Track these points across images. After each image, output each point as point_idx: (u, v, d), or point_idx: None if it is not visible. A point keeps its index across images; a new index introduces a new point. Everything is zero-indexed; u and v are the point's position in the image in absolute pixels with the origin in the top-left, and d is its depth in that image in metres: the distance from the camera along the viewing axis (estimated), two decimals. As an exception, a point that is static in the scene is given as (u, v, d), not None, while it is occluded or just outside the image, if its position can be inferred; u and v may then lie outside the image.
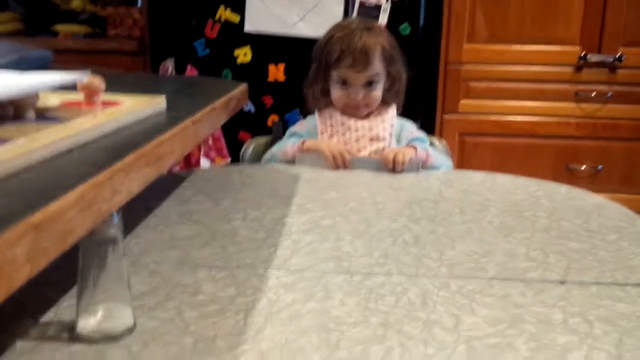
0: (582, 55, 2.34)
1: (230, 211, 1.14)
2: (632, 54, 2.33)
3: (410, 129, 1.62)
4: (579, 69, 2.37)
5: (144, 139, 0.73)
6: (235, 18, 2.33)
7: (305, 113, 1.67)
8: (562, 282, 0.87)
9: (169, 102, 0.94)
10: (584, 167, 2.45)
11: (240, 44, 2.36)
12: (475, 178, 1.40)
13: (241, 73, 2.36)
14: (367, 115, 1.57)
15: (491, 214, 1.15)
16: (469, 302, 0.80)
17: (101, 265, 0.67)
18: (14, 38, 2.46)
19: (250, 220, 1.09)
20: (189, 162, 2.05)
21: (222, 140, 2.16)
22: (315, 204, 1.19)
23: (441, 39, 2.39)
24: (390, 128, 1.55)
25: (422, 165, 1.47)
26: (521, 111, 2.42)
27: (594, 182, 2.44)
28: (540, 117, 2.42)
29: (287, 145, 1.54)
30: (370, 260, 0.93)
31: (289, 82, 2.35)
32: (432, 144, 1.66)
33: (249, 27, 2.33)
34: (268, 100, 2.38)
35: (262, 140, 1.74)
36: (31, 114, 0.74)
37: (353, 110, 1.56)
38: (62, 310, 0.76)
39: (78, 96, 0.85)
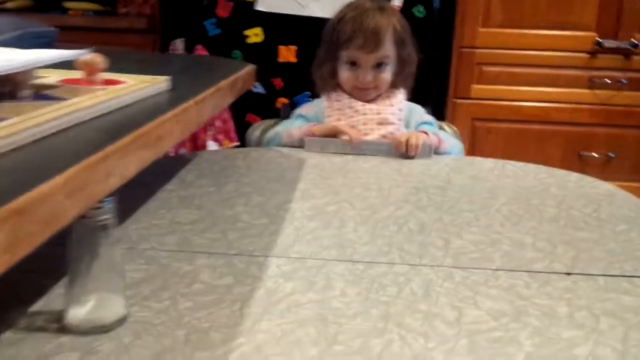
0: (597, 41, 2.30)
1: (233, 196, 1.12)
2: (647, 40, 2.29)
3: (420, 113, 1.60)
4: (593, 55, 2.33)
5: (143, 119, 0.70)
6: (248, -4, 2.30)
7: (315, 96, 1.65)
8: (569, 274, 0.84)
9: (173, 81, 0.91)
10: (596, 154, 2.42)
11: (252, 25, 2.33)
12: (485, 165, 1.38)
13: (251, 54, 2.32)
14: (375, 99, 1.54)
15: (499, 202, 1.13)
16: (473, 294, 0.78)
17: (93, 252, 0.65)
18: (23, 14, 2.44)
19: (253, 206, 1.07)
20: (196, 145, 2.02)
21: (231, 123, 2.13)
22: (320, 189, 1.17)
23: (455, 23, 2.36)
24: (399, 113, 1.53)
25: (435, 151, 1.44)
26: (534, 97, 2.38)
27: (606, 170, 2.40)
28: (553, 104, 2.38)
29: (294, 127, 1.52)
30: (373, 249, 0.91)
31: (300, 65, 2.32)
32: (441, 128, 1.64)
33: (261, 6, 2.29)
34: (278, 83, 2.36)
35: (269, 123, 1.72)
36: (28, 92, 0.73)
37: (361, 93, 1.54)
38: (53, 298, 0.74)
39: (78, 74, 0.83)
